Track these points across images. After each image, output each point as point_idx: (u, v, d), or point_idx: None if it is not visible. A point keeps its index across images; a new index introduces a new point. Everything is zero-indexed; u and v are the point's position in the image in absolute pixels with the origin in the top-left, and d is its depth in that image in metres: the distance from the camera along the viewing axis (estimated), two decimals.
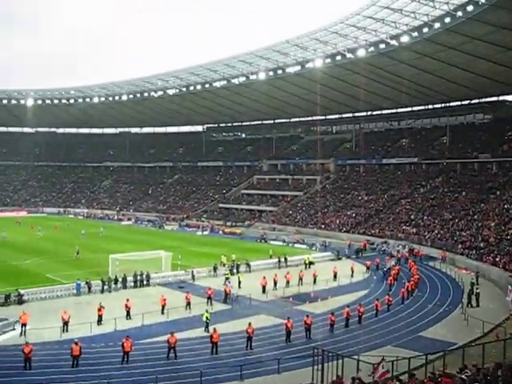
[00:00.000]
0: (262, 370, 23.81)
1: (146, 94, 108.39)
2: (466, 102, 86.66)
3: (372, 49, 70.98)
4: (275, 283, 41.67)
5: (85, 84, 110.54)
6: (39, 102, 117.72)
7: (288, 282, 42.79)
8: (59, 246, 63.08)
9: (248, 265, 50.39)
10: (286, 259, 53.65)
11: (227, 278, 42.92)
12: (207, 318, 29.94)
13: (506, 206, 62.06)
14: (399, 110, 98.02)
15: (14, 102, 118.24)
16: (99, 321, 30.79)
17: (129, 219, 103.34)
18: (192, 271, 45.70)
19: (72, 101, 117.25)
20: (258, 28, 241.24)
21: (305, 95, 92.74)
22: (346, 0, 73.58)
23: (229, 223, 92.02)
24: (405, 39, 65.36)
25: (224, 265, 49.55)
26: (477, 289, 38.33)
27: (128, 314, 32.27)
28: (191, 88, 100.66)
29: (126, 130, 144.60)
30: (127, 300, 32.90)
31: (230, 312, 34.92)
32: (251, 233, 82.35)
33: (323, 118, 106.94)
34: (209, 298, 36.15)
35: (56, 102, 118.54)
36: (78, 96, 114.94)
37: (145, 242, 67.05)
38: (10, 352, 26.00)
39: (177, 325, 30.35)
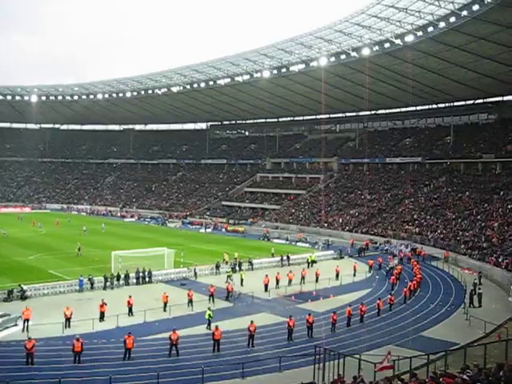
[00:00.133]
0: (264, 367, 23.86)
1: (149, 91, 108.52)
2: (471, 102, 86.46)
3: (377, 48, 70.84)
4: (277, 281, 41.74)
5: (89, 81, 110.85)
6: (43, 98, 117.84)
7: (290, 281, 42.82)
8: (62, 243, 63.22)
9: (250, 263, 50.44)
10: (288, 257, 53.67)
11: (229, 276, 43.02)
12: (209, 315, 29.99)
13: (509, 207, 61.87)
14: (403, 110, 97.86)
15: (18, 98, 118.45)
16: (101, 317, 30.85)
17: (132, 216, 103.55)
18: (194, 269, 45.78)
19: (76, 97, 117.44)
20: (263, 26, 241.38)
21: (309, 94, 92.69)
22: None
23: (232, 221, 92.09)
24: (409, 38, 65.20)
25: (226, 262, 49.59)
26: (479, 289, 38.30)
27: (130, 310, 32.35)
28: (195, 85, 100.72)
29: (130, 126, 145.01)
30: (129, 297, 32.95)
31: (232, 310, 34.97)
32: (254, 231, 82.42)
33: (327, 116, 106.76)
34: (211, 295, 36.21)
35: (60, 98, 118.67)
36: (82, 93, 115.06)
37: (147, 239, 67.15)
38: (12, 347, 26.11)
39: (179, 322, 30.42)
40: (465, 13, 56.10)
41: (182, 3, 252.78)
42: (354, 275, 47.28)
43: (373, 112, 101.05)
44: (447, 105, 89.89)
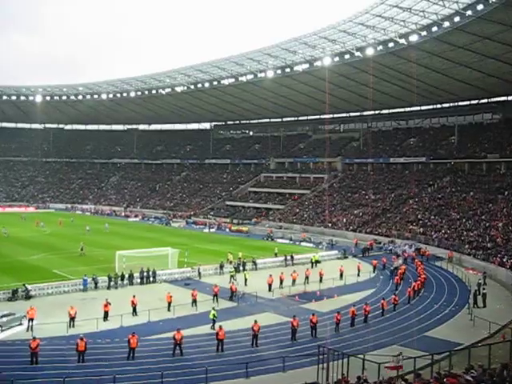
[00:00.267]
0: (268, 367, 23.85)
1: (153, 91, 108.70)
2: (475, 102, 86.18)
3: (381, 47, 70.77)
4: (281, 281, 41.73)
5: (93, 81, 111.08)
6: (48, 98, 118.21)
7: (294, 281, 42.76)
8: (66, 242, 63.33)
9: (254, 263, 50.44)
10: (292, 257, 53.67)
11: (232, 276, 43.08)
12: (214, 315, 30.01)
13: None
14: (407, 109, 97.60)
15: (22, 98, 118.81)
16: (105, 317, 30.90)
17: (136, 216, 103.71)
18: (198, 268, 45.79)
19: (80, 97, 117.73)
20: (267, 26, 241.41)
21: (313, 93, 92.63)
22: None
23: (235, 221, 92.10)
24: (414, 38, 65.11)
25: (230, 262, 49.60)
26: (484, 289, 38.18)
27: (134, 310, 32.39)
28: (199, 85, 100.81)
29: (134, 126, 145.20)
30: (133, 296, 33.02)
31: (235, 310, 34.99)
32: (258, 231, 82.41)
33: (331, 116, 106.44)
34: (215, 295, 36.25)
35: (64, 98, 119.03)
36: (86, 93, 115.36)
37: (152, 238, 67.23)
38: (17, 346, 26.19)
39: (183, 322, 30.44)
40: (469, 12, 55.97)
41: (183, 2, 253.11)
42: (358, 275, 47.21)
43: (377, 112, 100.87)
44: (451, 104, 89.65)
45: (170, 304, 33.59)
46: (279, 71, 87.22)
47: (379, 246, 65.68)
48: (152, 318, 31.48)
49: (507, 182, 70.22)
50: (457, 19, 58.29)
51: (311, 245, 67.98)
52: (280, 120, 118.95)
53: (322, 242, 67.88)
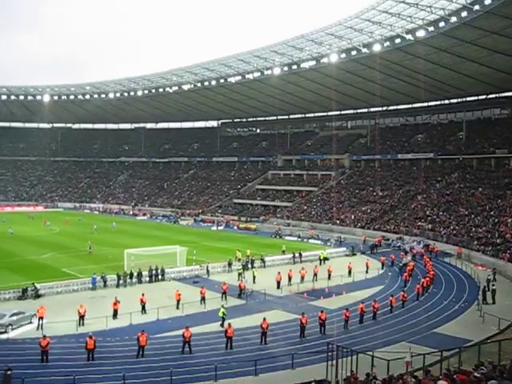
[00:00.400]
0: (277, 365, 23.89)
1: (161, 90, 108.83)
2: (483, 97, 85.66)
3: (387, 43, 70.48)
4: (290, 279, 41.74)
5: (100, 80, 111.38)
6: (55, 97, 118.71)
7: (303, 278, 42.78)
8: (74, 241, 63.61)
9: (263, 260, 50.46)
10: (300, 255, 53.66)
11: (240, 274, 43.13)
12: (223, 313, 30.05)
13: None
14: (415, 105, 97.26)
15: (30, 97, 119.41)
16: (115, 315, 31.05)
17: (144, 214, 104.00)
18: (207, 266, 45.89)
19: (88, 96, 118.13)
20: (274, 23, 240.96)
21: (320, 90, 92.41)
22: None
23: (243, 218, 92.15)
24: (421, 34, 64.80)
25: (239, 260, 49.64)
26: (493, 285, 38.04)
27: (143, 308, 32.51)
28: (206, 83, 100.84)
29: (142, 125, 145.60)
30: (142, 294, 33.13)
31: (244, 307, 35.03)
32: (266, 228, 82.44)
33: (338, 113, 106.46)
34: (224, 293, 36.31)
35: (72, 97, 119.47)
36: (94, 92, 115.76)
37: (160, 237, 67.40)
38: (27, 345, 26.36)
39: (192, 319, 30.50)
40: (477, 7, 55.63)
41: (185, 2, 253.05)
42: (367, 272, 47.19)
43: (384, 108, 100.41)
44: (459, 100, 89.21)
45: (178, 302, 33.67)
46: (286, 68, 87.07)
47: (387, 243, 65.55)
48: (161, 315, 31.59)
49: None
50: (464, 14, 57.93)
51: (319, 242, 67.91)
52: (287, 117, 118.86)
53: (330, 239, 67.87)
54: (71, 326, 28.61)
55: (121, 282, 40.47)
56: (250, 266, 47.58)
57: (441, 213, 68.91)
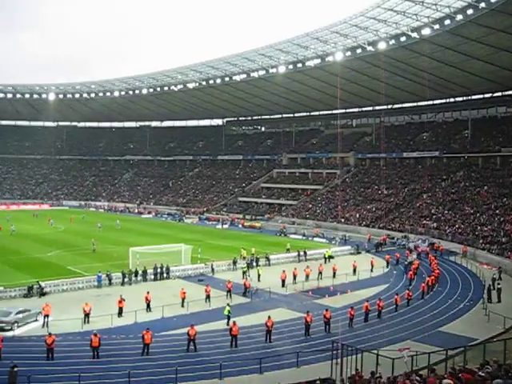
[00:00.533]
0: (282, 363, 23.92)
1: (166, 88, 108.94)
2: (489, 95, 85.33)
3: (393, 41, 70.31)
4: (295, 277, 41.74)
5: (105, 78, 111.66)
6: (61, 96, 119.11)
7: (307, 276, 42.79)
8: (80, 239, 63.72)
9: (267, 258, 50.48)
10: (305, 253, 53.67)
11: (244, 272, 43.18)
12: (229, 311, 30.09)
13: None
14: (420, 104, 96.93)
15: (35, 96, 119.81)
16: (120, 313, 31.15)
17: (149, 212, 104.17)
18: (212, 264, 45.94)
19: (93, 95, 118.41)
20: (279, 21, 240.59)
21: (325, 88, 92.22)
22: None
23: (248, 217, 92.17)
24: (426, 32, 64.61)
25: (244, 258, 49.68)
26: (498, 284, 37.94)
27: (148, 306, 32.58)
28: (211, 82, 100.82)
29: (147, 123, 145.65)
30: (147, 292, 33.18)
31: (249, 305, 35.07)
32: (271, 226, 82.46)
33: (343, 111, 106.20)
34: (228, 291, 36.35)
35: (77, 96, 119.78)
36: (99, 90, 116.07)
37: (165, 235, 67.52)
38: (33, 342, 26.45)
39: (196, 317, 30.55)
40: (483, 5, 55.42)
41: (188, 0, 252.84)
42: (372, 270, 47.14)
43: (389, 106, 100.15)
44: (465, 98, 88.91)
45: (183, 300, 33.74)
46: (291, 66, 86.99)
47: (392, 241, 65.45)
48: (166, 313, 31.65)
49: None
50: (470, 12, 57.73)
51: (324, 240, 67.89)
52: (292, 115, 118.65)
53: (335, 237, 67.79)
54: (76, 324, 28.71)
55: (126, 280, 40.56)
56: (254, 264, 47.68)
57: (446, 211, 68.76)
